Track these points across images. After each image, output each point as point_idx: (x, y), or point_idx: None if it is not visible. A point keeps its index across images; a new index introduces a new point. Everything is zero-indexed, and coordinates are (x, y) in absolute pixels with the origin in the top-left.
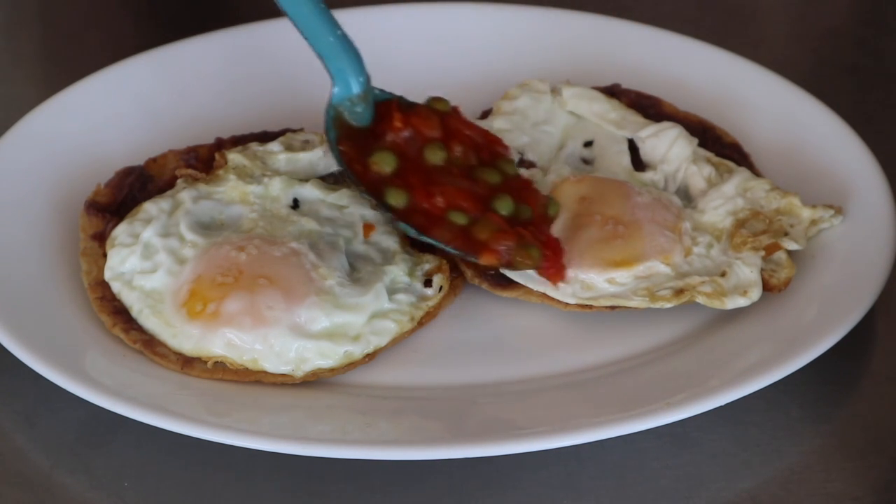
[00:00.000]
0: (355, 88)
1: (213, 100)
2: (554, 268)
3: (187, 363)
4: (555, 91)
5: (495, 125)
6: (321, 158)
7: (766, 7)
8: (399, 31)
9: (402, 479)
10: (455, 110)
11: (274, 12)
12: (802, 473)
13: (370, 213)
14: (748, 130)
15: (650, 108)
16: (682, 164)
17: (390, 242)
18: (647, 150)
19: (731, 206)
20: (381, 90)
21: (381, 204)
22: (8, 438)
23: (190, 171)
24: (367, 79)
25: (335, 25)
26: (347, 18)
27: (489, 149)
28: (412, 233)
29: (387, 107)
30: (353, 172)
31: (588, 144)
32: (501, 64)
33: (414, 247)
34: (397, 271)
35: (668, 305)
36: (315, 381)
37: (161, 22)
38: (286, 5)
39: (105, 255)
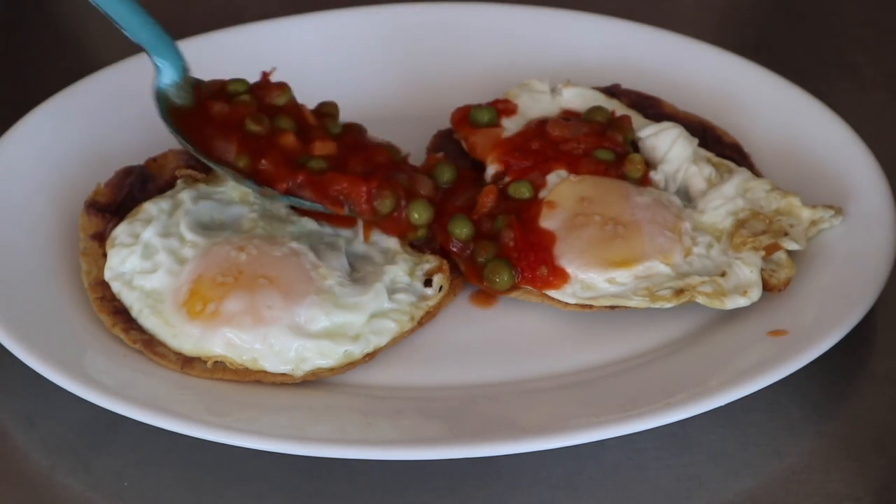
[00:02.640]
0: (178, 76)
1: None
2: (531, 272)
3: (187, 363)
4: (555, 91)
5: None
6: None
7: (766, 7)
8: (400, 31)
9: (402, 479)
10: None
11: (274, 13)
12: (802, 473)
13: None
14: (748, 130)
15: (650, 108)
16: (682, 165)
17: (390, 242)
18: (648, 150)
19: (731, 207)
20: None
21: (226, 169)
22: (8, 438)
23: (190, 171)
24: (185, 68)
25: (149, 18)
26: (347, 18)
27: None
28: (257, 189)
29: (204, 88)
30: (195, 149)
31: None
32: (501, 64)
33: (414, 247)
34: (397, 271)
35: (668, 305)
36: (315, 380)
37: (161, 22)
38: (106, 6)
39: (105, 255)
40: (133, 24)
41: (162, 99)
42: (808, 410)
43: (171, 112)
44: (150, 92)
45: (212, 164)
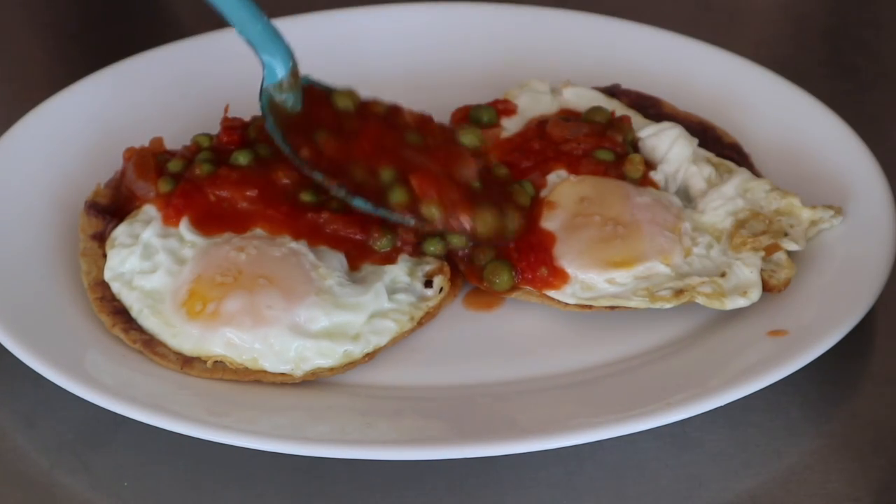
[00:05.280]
0: (280, 74)
1: (214, 99)
2: (531, 273)
3: (187, 363)
4: (555, 91)
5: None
6: None
7: (765, 7)
8: (400, 31)
9: (402, 479)
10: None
11: (276, 13)
12: (802, 473)
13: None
14: (748, 130)
15: (650, 108)
16: (682, 165)
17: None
18: (648, 151)
19: (731, 207)
20: (316, 81)
21: (337, 186)
22: (8, 438)
23: None
24: (293, 66)
25: (260, 14)
26: (346, 18)
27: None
28: (368, 207)
29: (315, 93)
30: (299, 157)
31: None
32: (501, 64)
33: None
34: (398, 271)
35: (668, 306)
36: (315, 380)
37: (162, 22)
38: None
39: (105, 256)
40: (242, 17)
41: (267, 102)
42: (808, 410)
43: (274, 109)
44: (150, 92)
45: (307, 171)
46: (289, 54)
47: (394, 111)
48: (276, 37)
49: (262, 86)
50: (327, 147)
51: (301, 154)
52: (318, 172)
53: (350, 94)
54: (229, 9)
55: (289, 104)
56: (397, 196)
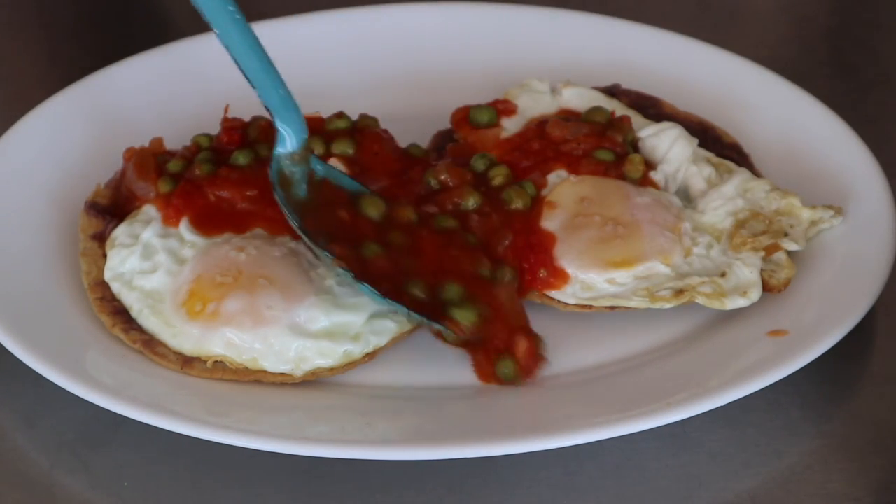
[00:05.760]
0: (291, 145)
1: (213, 99)
2: (532, 275)
3: (187, 363)
4: (555, 91)
5: None
6: None
7: (766, 7)
8: (400, 31)
9: (402, 479)
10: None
11: (278, 13)
12: (802, 473)
13: None
14: (748, 130)
15: (650, 108)
16: (682, 165)
17: None
18: (647, 151)
19: (731, 207)
20: (327, 165)
21: (345, 270)
22: (8, 438)
23: None
24: (305, 142)
25: (282, 82)
26: (347, 18)
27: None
28: (377, 297)
29: (333, 189)
30: (301, 227)
31: None
32: (501, 64)
33: None
34: None
35: (668, 306)
36: (315, 380)
37: (160, 22)
38: (240, 58)
39: (105, 256)
40: (265, 82)
41: (276, 165)
42: (808, 410)
43: (282, 180)
44: (150, 92)
45: (314, 247)
46: (303, 128)
47: (424, 217)
48: (294, 108)
49: (272, 153)
50: (378, 263)
51: (332, 251)
52: (327, 252)
53: (376, 201)
54: (254, 72)
55: (296, 177)
56: (467, 317)
